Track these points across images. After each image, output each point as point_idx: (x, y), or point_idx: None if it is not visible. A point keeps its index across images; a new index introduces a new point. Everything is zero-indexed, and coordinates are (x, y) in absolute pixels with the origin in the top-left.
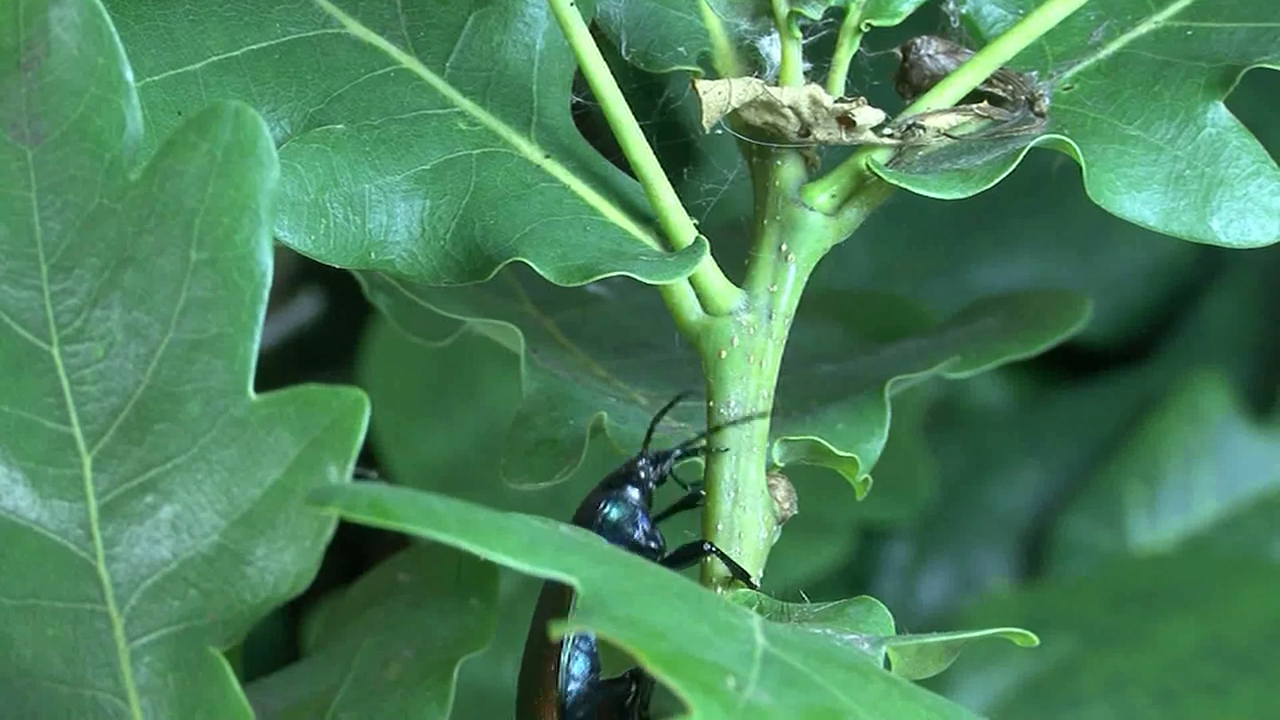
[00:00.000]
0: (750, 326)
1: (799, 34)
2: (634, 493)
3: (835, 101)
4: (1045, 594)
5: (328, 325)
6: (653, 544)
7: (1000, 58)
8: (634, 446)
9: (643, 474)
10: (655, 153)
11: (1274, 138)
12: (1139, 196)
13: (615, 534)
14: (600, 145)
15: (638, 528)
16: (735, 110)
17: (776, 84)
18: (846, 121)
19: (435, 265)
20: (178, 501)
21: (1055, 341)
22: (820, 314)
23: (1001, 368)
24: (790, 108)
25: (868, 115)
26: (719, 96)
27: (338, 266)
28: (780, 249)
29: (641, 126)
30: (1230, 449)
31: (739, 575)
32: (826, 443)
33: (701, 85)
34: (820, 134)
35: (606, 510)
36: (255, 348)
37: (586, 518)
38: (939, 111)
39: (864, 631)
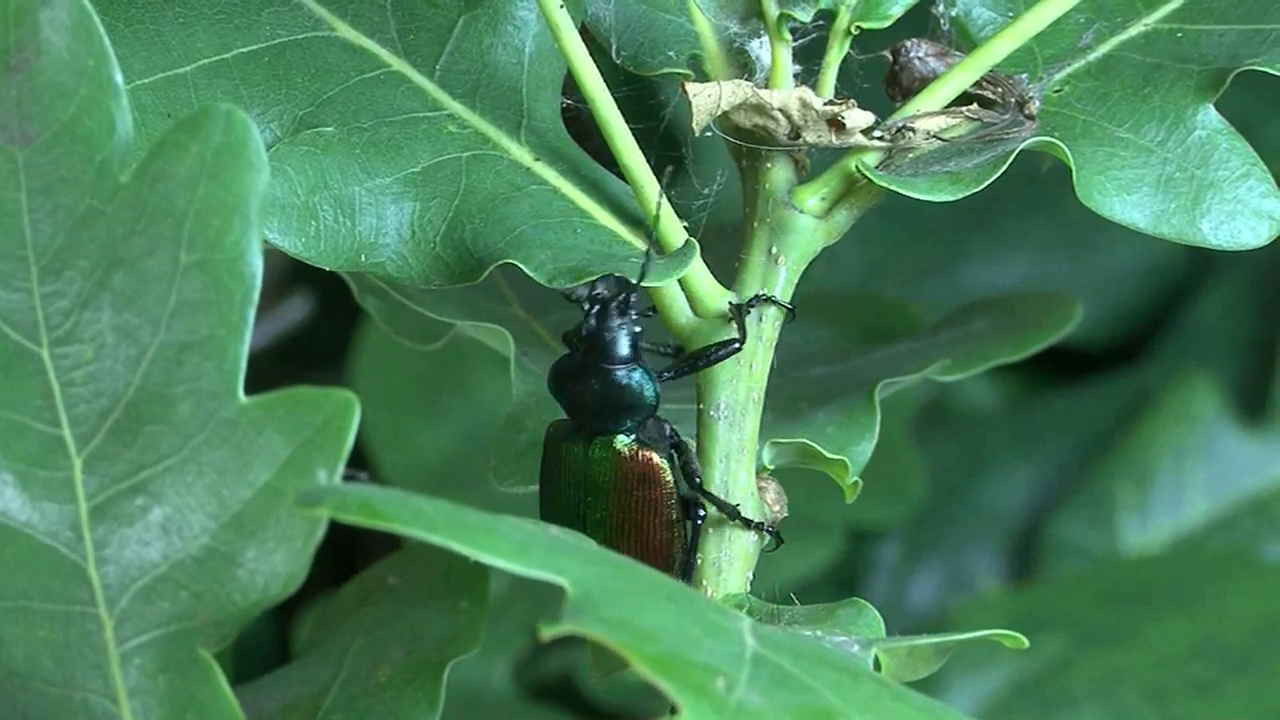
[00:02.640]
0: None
1: (789, 37)
2: (626, 347)
3: (825, 104)
4: (1036, 594)
5: (318, 326)
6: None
7: (990, 60)
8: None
9: (615, 333)
10: (646, 156)
11: (1266, 137)
12: (1129, 199)
13: (646, 405)
14: (590, 148)
15: (659, 377)
16: (725, 113)
17: (766, 87)
18: (836, 124)
19: (425, 268)
20: (168, 503)
21: (1046, 344)
22: (811, 315)
23: (992, 369)
24: (780, 110)
25: (857, 118)
26: (709, 99)
27: (328, 269)
28: (770, 251)
29: (632, 130)
30: (1221, 449)
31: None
32: (816, 445)
33: (691, 88)
34: (810, 136)
35: (638, 389)
36: (245, 349)
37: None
38: (929, 114)
39: (854, 634)
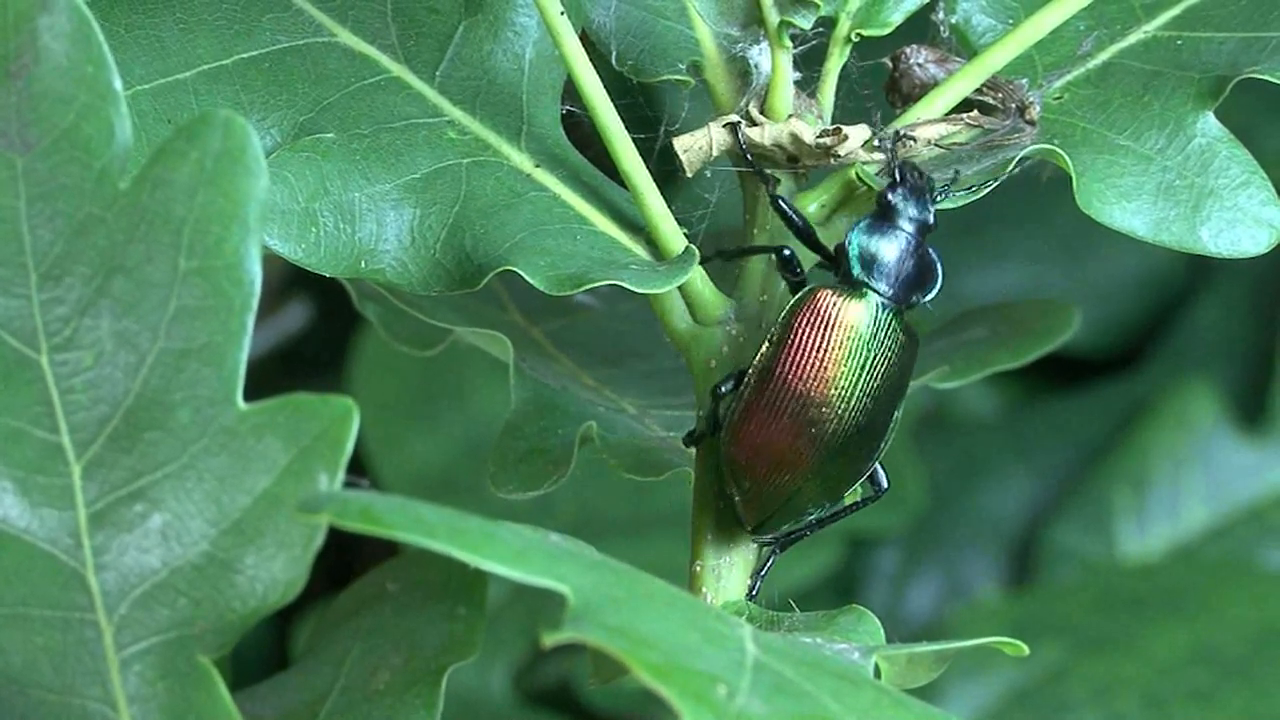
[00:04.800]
0: (740, 336)
1: (789, 44)
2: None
3: (817, 137)
4: (1034, 601)
5: (317, 332)
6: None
7: (990, 68)
8: (622, 456)
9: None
10: (645, 163)
11: (1266, 144)
12: (1129, 206)
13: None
14: (590, 155)
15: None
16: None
17: (766, 95)
18: (832, 152)
19: (425, 274)
20: (167, 510)
21: (1043, 351)
22: None
23: (990, 376)
24: (774, 146)
25: (852, 142)
26: (699, 151)
27: (327, 275)
28: (770, 259)
29: (632, 137)
30: (1218, 457)
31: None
32: None
33: (679, 142)
34: (808, 161)
35: (940, 269)
36: (244, 356)
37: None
38: (929, 121)
39: (854, 641)
